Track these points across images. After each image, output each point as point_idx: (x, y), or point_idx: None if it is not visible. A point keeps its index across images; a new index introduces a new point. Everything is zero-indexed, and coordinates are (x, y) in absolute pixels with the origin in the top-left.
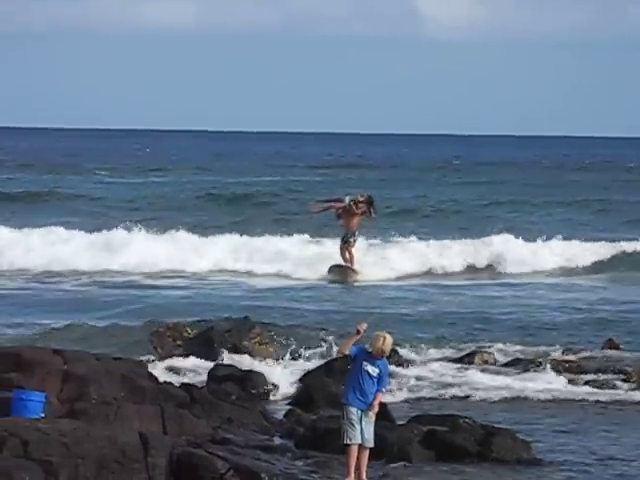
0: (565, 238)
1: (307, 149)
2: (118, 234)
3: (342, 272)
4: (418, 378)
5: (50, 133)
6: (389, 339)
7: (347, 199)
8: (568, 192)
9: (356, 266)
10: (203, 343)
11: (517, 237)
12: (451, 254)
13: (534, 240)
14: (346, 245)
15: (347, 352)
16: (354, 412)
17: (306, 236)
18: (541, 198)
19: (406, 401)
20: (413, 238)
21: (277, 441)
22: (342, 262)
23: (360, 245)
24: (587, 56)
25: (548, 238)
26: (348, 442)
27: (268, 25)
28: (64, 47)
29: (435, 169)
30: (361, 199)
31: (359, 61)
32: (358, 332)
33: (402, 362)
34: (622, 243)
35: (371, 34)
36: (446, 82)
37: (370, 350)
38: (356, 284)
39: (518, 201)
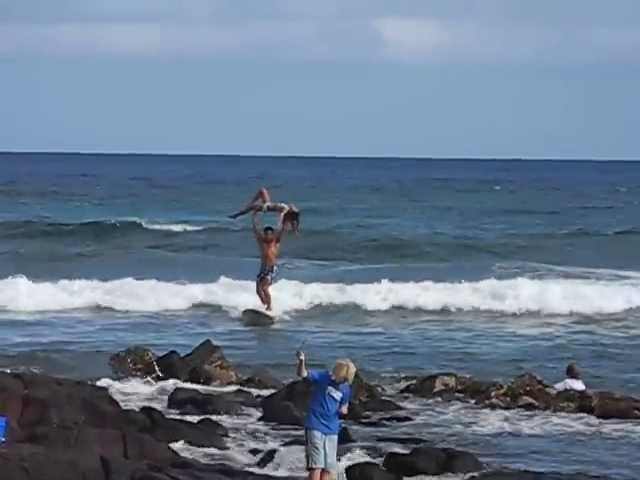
0: None
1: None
2: None
3: (256, 316)
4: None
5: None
6: (352, 368)
7: (265, 205)
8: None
9: (272, 310)
10: (164, 367)
11: None
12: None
13: None
14: (262, 283)
15: (305, 375)
16: (318, 436)
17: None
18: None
19: (367, 424)
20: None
21: (238, 464)
22: (259, 302)
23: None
24: (552, 81)
25: None
26: (312, 466)
27: (230, 49)
28: (24, 71)
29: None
30: (294, 210)
31: (322, 85)
32: (300, 358)
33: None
34: None
35: (334, 58)
36: (410, 106)
37: (333, 378)
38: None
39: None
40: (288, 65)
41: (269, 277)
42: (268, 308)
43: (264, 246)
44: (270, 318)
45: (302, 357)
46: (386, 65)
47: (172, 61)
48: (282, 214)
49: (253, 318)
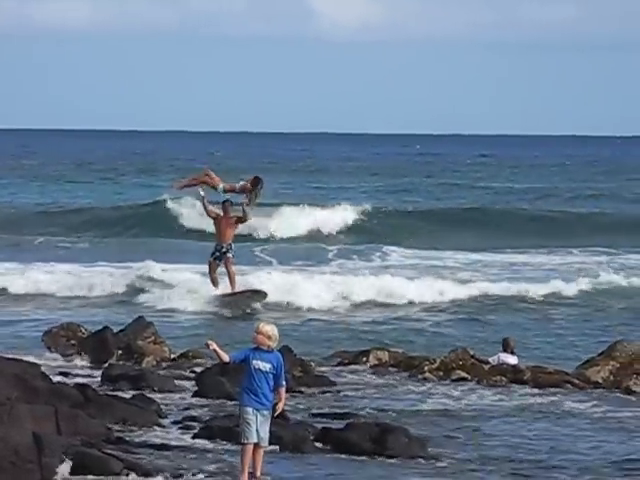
0: None
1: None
2: None
3: (238, 300)
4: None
5: None
6: (266, 326)
7: (221, 186)
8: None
9: (236, 288)
10: (97, 343)
11: None
12: None
13: None
14: (226, 261)
15: (227, 360)
16: (250, 412)
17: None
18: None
19: (301, 399)
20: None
21: (172, 440)
22: (211, 284)
23: None
24: (486, 56)
25: None
26: (245, 442)
27: (164, 24)
28: None
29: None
30: (255, 180)
31: (254, 60)
32: (211, 348)
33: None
34: None
35: (266, 33)
36: (342, 81)
37: (255, 346)
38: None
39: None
40: (222, 40)
41: (230, 255)
42: (233, 287)
43: (222, 222)
44: (260, 293)
45: (213, 346)
46: (318, 40)
47: (105, 36)
48: (246, 192)
49: (238, 301)
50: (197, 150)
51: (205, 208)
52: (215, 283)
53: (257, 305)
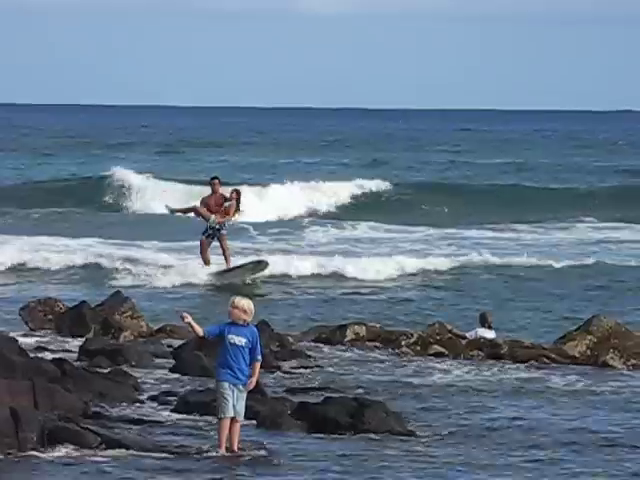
0: None
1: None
2: None
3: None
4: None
5: None
6: (242, 300)
7: (212, 218)
8: None
9: (231, 263)
10: (75, 318)
11: None
12: None
13: None
14: (221, 238)
15: (202, 333)
16: (226, 387)
17: None
18: None
19: (278, 374)
20: None
21: (149, 414)
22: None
23: None
24: (460, 29)
25: None
26: (222, 416)
27: None
28: None
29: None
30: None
31: (229, 35)
32: (186, 321)
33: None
34: None
35: (241, 8)
36: (319, 55)
37: (230, 320)
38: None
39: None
40: (206, 15)
41: (224, 231)
42: (228, 264)
43: (211, 201)
44: (262, 263)
45: (188, 319)
46: (303, 15)
47: (93, 11)
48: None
49: (240, 274)
50: (158, 124)
51: (194, 211)
52: (207, 262)
53: (260, 275)
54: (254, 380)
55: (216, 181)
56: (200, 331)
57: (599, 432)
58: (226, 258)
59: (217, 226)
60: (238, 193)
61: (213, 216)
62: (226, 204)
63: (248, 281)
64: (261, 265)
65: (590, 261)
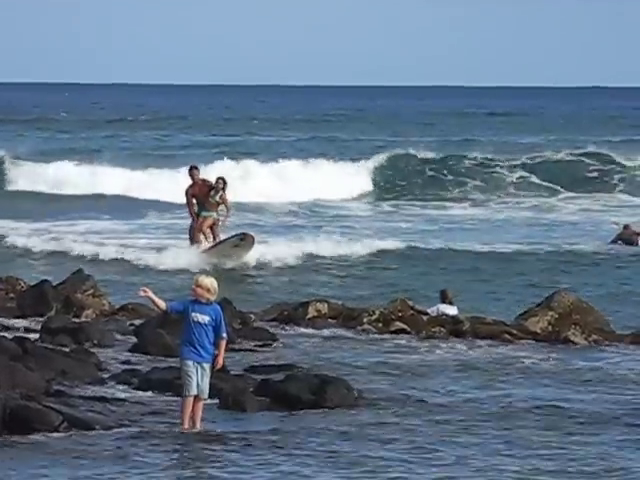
0: None
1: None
2: None
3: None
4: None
5: None
6: (206, 279)
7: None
8: None
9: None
10: (36, 296)
11: None
12: None
13: None
14: (215, 223)
15: (164, 307)
16: (190, 365)
17: None
18: None
19: (240, 352)
20: None
21: (112, 392)
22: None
23: None
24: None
25: None
26: (186, 394)
27: None
28: None
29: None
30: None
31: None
32: (146, 296)
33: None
34: None
35: None
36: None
37: (193, 298)
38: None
39: None
40: None
41: (215, 215)
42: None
43: (196, 189)
44: (247, 237)
45: (148, 293)
46: None
47: None
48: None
49: (225, 251)
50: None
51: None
52: (197, 242)
53: (249, 252)
54: (220, 359)
55: (195, 171)
56: (163, 305)
57: (566, 409)
58: (214, 239)
59: (209, 212)
60: (224, 182)
61: (215, 214)
62: (216, 197)
63: (238, 261)
64: (247, 240)
65: None
